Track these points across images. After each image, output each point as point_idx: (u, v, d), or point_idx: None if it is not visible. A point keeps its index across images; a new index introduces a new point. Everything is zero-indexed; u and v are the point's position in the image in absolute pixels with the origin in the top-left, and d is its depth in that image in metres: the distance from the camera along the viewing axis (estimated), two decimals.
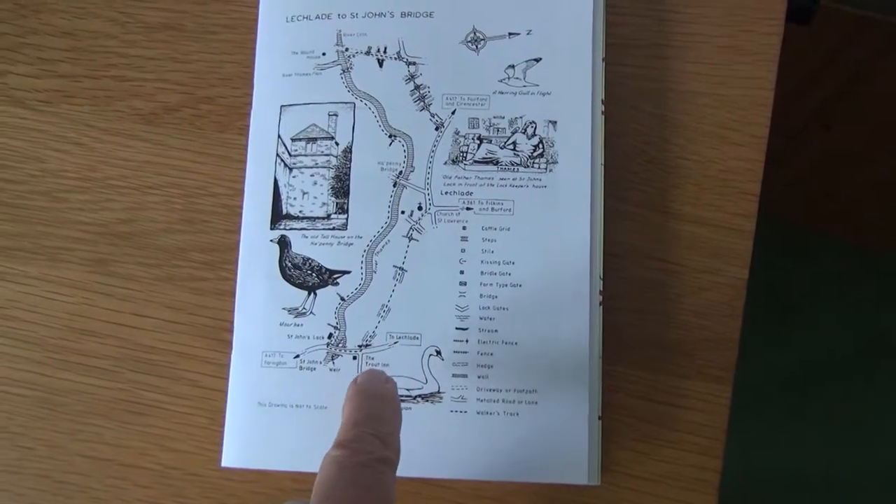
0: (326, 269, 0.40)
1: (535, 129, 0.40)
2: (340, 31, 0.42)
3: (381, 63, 0.41)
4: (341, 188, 0.40)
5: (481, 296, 0.39)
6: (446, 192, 0.40)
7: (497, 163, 0.40)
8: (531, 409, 0.38)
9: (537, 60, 0.40)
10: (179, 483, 0.41)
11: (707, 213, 0.41)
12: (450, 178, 0.40)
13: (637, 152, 0.41)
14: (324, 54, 0.41)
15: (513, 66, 0.40)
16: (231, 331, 0.40)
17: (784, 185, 1.08)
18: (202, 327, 0.42)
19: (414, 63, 0.41)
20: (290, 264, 0.40)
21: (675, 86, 0.42)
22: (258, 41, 0.43)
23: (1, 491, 0.42)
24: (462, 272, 0.39)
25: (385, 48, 0.41)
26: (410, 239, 0.40)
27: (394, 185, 0.40)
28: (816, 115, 0.91)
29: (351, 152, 0.40)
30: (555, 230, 0.39)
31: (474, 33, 0.41)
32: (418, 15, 0.41)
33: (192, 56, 0.44)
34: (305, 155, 0.41)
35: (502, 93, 0.40)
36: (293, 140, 0.41)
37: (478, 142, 0.40)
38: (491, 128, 0.40)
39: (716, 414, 0.40)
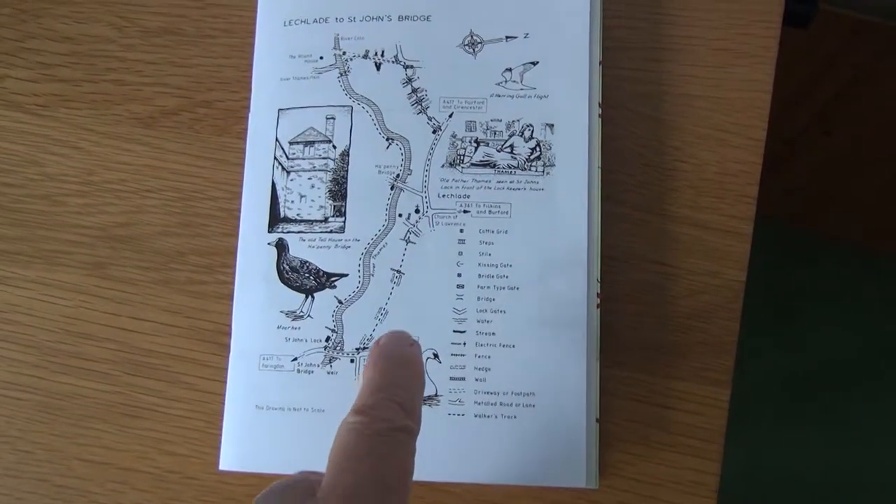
0: (324, 273, 0.40)
1: (533, 132, 0.40)
2: (338, 34, 0.42)
3: (378, 66, 0.41)
4: (339, 191, 0.40)
5: (479, 298, 0.39)
6: (444, 195, 0.40)
7: (494, 166, 0.40)
8: (529, 412, 0.38)
9: (534, 64, 0.40)
10: (177, 486, 0.41)
11: (704, 216, 0.41)
12: (447, 181, 0.40)
13: (634, 155, 0.42)
14: (321, 58, 0.42)
15: (510, 70, 0.41)
16: (229, 334, 0.40)
17: (785, 190, 1.08)
18: (200, 331, 0.42)
19: (411, 66, 0.41)
20: (287, 267, 0.40)
21: (671, 89, 0.42)
22: (256, 45, 0.43)
23: (0, 495, 0.42)
24: (459, 275, 0.39)
25: (382, 52, 0.41)
26: (408, 242, 0.40)
27: (391, 188, 0.40)
28: (816, 119, 0.91)
29: (348, 155, 0.41)
30: (552, 233, 0.39)
31: (471, 37, 0.41)
32: (416, 18, 0.41)
33: (191, 60, 0.45)
34: (303, 158, 0.41)
35: (499, 96, 0.40)
36: (291, 143, 0.41)
37: (475, 145, 0.40)
38: (488, 131, 0.40)
39: (714, 417, 0.40)
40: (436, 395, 0.38)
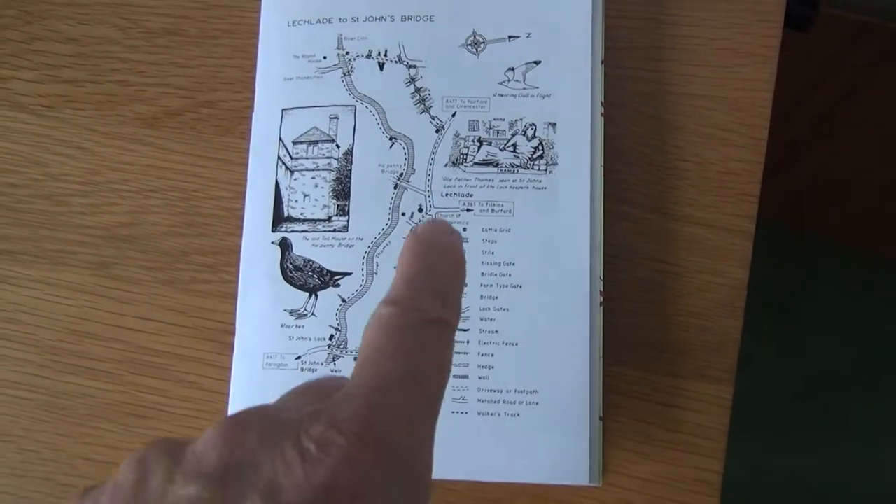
0: (327, 271, 0.40)
1: (535, 131, 0.40)
2: (341, 34, 0.42)
3: (381, 66, 0.42)
4: (342, 190, 0.40)
5: (482, 297, 0.39)
6: (447, 194, 0.40)
7: (497, 164, 0.40)
8: (532, 409, 0.38)
9: (537, 63, 0.41)
10: None
11: (706, 215, 0.41)
12: (450, 179, 0.40)
13: (636, 154, 0.42)
14: (325, 58, 0.42)
15: (513, 69, 0.41)
16: (233, 333, 0.40)
17: (786, 192, 1.08)
18: (204, 330, 0.42)
19: (414, 66, 0.41)
20: (291, 266, 0.40)
21: (673, 88, 0.42)
22: (259, 45, 0.43)
23: (5, 494, 0.42)
24: None
25: (386, 51, 0.42)
26: None
27: (394, 187, 0.40)
28: (817, 122, 0.92)
29: (352, 155, 0.41)
30: (555, 231, 0.39)
31: (474, 36, 0.41)
32: (419, 18, 0.42)
33: (194, 61, 0.45)
34: (307, 158, 0.41)
35: (502, 95, 0.41)
36: (294, 143, 0.41)
37: (478, 144, 0.40)
38: (491, 130, 0.40)
39: (717, 415, 0.40)
40: None
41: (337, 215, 0.40)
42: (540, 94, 0.40)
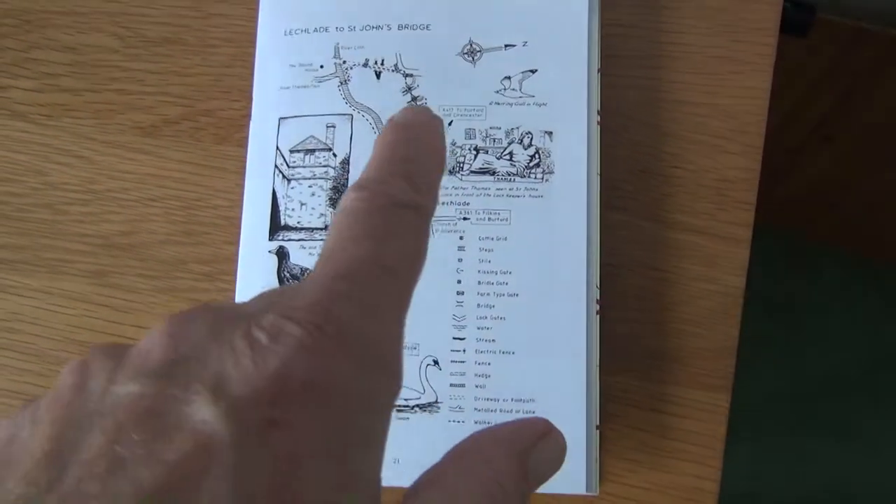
0: None
1: (532, 139, 0.40)
2: (338, 43, 0.42)
3: (378, 75, 0.42)
4: (339, 199, 0.41)
5: (478, 305, 0.39)
6: (443, 203, 0.40)
7: (494, 173, 0.40)
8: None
9: (533, 72, 0.41)
10: None
11: (702, 223, 0.41)
12: (447, 188, 0.40)
13: (632, 162, 0.42)
14: (322, 67, 0.42)
15: (509, 78, 0.41)
16: None
17: (785, 198, 1.08)
18: None
19: (411, 75, 0.41)
20: (288, 275, 0.40)
21: (670, 96, 0.42)
22: (257, 54, 0.43)
23: None
24: (459, 282, 0.39)
25: (382, 60, 0.42)
26: None
27: None
28: (817, 126, 0.92)
29: (349, 163, 0.41)
30: (551, 240, 0.39)
31: (471, 45, 0.41)
32: (415, 27, 0.42)
33: (192, 69, 0.45)
34: (304, 166, 0.41)
35: (499, 104, 0.41)
36: (291, 152, 0.41)
37: (474, 152, 0.40)
38: (487, 138, 0.40)
39: (714, 423, 0.40)
40: (436, 401, 0.38)
41: None
42: (536, 102, 0.41)
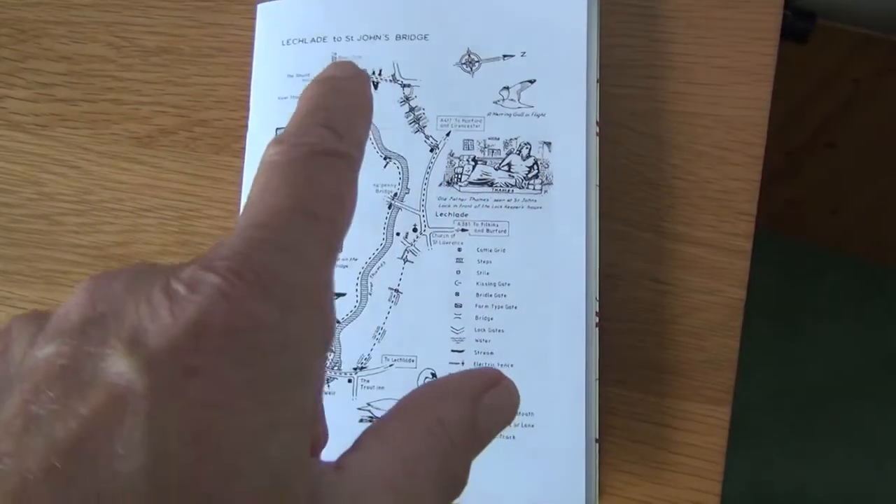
0: None
1: (530, 150, 0.40)
2: (335, 53, 0.42)
3: (376, 85, 0.41)
4: None
5: (477, 318, 0.39)
6: (441, 214, 0.40)
7: (492, 184, 0.40)
8: (528, 431, 0.38)
9: (532, 82, 0.40)
10: None
11: (703, 234, 0.41)
12: (445, 199, 0.40)
13: (632, 173, 0.41)
14: None
15: (507, 88, 0.41)
16: None
17: (788, 203, 1.08)
18: None
19: (409, 85, 0.41)
20: None
21: (669, 106, 0.42)
22: (254, 64, 0.43)
23: None
24: (457, 294, 0.39)
25: (380, 70, 0.41)
26: (405, 261, 0.40)
27: (389, 207, 0.40)
28: (818, 132, 0.91)
29: None
30: (550, 251, 0.39)
31: (469, 55, 0.41)
32: (413, 38, 0.41)
33: (189, 79, 0.45)
34: None
35: (497, 114, 0.40)
36: None
37: (473, 163, 0.40)
38: (486, 149, 0.40)
39: (715, 436, 0.39)
40: None
41: None
42: (535, 113, 0.40)
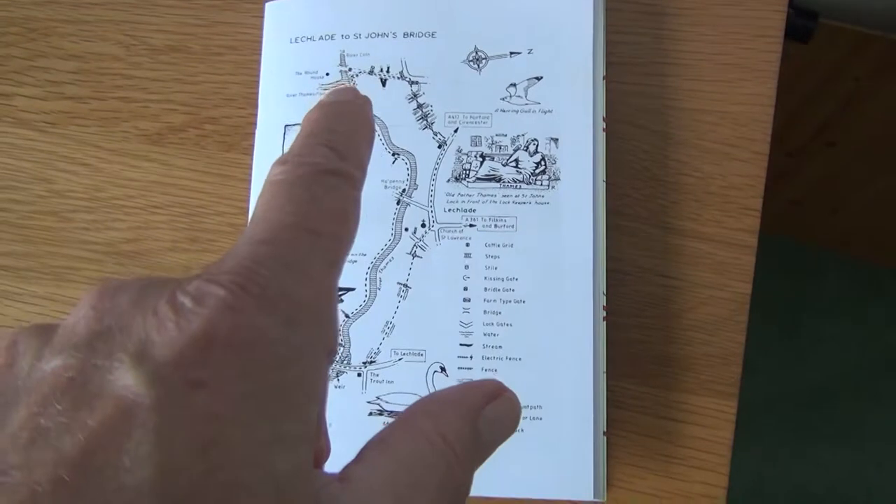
0: None
1: (538, 146, 0.40)
2: (344, 51, 0.42)
3: (384, 82, 0.42)
4: None
5: (485, 312, 0.39)
6: (449, 210, 0.40)
7: (500, 180, 0.40)
8: (536, 424, 0.38)
9: (539, 79, 0.41)
10: None
11: (709, 229, 0.41)
12: (453, 195, 0.40)
13: (638, 169, 0.42)
14: (327, 74, 0.42)
15: (514, 85, 0.41)
16: None
17: (789, 202, 1.08)
18: None
19: (416, 82, 0.41)
20: None
21: (675, 103, 0.42)
22: (262, 62, 0.43)
23: None
24: (466, 289, 0.39)
25: (388, 68, 0.42)
26: (414, 256, 0.40)
27: (397, 203, 0.40)
28: (820, 132, 0.92)
29: None
30: (557, 246, 0.39)
31: (476, 52, 0.41)
32: (421, 35, 0.42)
33: (198, 77, 0.45)
34: None
35: (504, 111, 0.41)
36: None
37: (480, 159, 0.40)
38: (493, 145, 0.40)
39: (721, 429, 0.40)
40: None
41: None
42: (542, 109, 0.41)
